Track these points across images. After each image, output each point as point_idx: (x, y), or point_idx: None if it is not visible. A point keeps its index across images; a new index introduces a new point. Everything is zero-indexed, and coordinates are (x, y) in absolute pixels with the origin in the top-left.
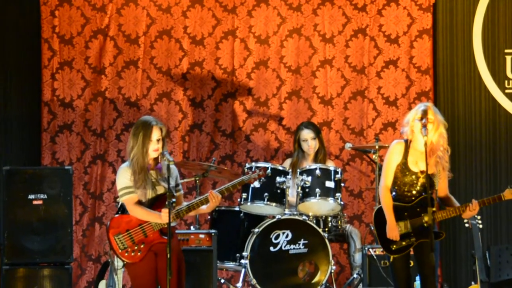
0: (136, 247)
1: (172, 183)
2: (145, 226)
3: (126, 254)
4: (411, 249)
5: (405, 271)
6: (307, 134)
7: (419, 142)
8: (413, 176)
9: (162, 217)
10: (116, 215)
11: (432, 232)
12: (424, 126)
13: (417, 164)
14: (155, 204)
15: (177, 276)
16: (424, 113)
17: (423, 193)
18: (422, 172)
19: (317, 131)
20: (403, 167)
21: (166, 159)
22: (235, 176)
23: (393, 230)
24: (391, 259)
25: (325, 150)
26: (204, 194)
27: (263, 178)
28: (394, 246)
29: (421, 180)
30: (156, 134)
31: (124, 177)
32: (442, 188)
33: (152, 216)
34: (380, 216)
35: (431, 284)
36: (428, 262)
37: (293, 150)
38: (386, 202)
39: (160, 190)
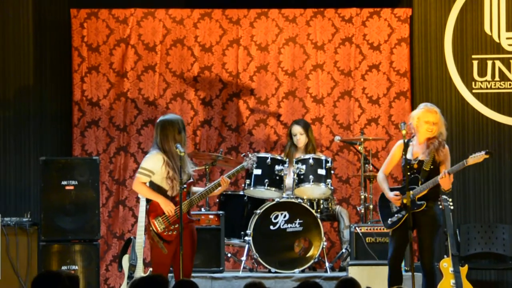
0: (172, 227)
1: (191, 171)
2: (177, 209)
3: (165, 234)
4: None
5: (397, 243)
6: (296, 130)
7: (420, 137)
8: (410, 164)
9: (164, 202)
10: (152, 200)
11: (410, 213)
12: (404, 122)
13: (413, 153)
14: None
15: (191, 251)
16: (432, 117)
17: (411, 175)
18: (415, 159)
19: (306, 128)
20: (403, 159)
21: (178, 150)
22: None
23: (390, 197)
24: (390, 233)
25: (313, 144)
26: (214, 180)
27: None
28: (389, 220)
29: (415, 165)
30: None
31: (153, 162)
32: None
33: (157, 197)
34: (381, 199)
35: (421, 256)
36: (420, 240)
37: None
38: (379, 181)
39: (185, 177)
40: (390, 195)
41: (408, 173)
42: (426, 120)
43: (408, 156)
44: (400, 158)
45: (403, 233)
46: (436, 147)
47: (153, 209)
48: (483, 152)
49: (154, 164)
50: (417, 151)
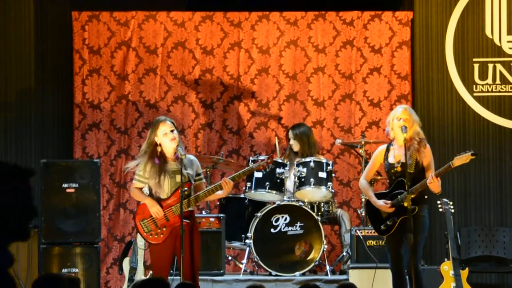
0: (159, 230)
1: (191, 173)
2: (166, 211)
3: (151, 236)
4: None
5: (396, 251)
6: (289, 135)
7: (398, 138)
8: (393, 168)
9: (149, 204)
10: (141, 203)
11: (411, 216)
12: (405, 126)
13: (395, 157)
14: (175, 192)
15: (190, 253)
16: (402, 114)
17: (398, 178)
18: (398, 162)
19: (296, 133)
20: (386, 164)
21: (179, 153)
22: (240, 167)
23: (380, 205)
24: (384, 240)
25: (311, 148)
26: (216, 183)
27: (270, 165)
28: (382, 226)
29: (399, 169)
30: (164, 128)
31: (141, 167)
32: (427, 172)
33: (144, 198)
34: (369, 205)
35: (411, 261)
36: (407, 242)
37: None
38: (363, 189)
39: (179, 179)
40: (379, 203)
41: (393, 177)
42: (396, 116)
43: (391, 160)
44: (381, 163)
45: (397, 237)
46: (416, 148)
47: (139, 212)
48: (468, 153)
49: (142, 169)
50: (398, 154)
